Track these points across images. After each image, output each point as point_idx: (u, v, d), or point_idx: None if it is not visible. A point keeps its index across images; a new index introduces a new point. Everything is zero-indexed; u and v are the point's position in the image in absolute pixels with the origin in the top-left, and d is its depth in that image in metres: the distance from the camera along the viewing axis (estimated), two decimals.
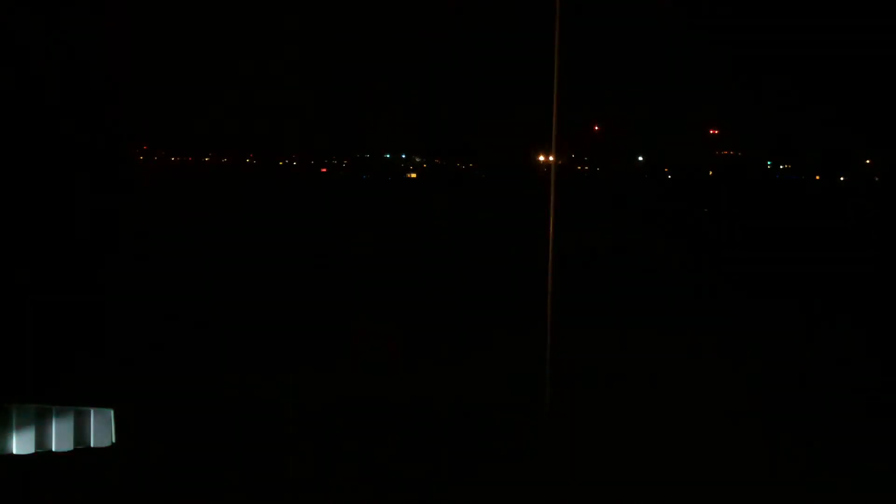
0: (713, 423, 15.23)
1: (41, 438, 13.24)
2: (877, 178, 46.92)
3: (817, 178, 47.97)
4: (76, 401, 13.73)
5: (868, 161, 47.85)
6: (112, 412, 13.76)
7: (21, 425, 13.05)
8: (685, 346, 19.47)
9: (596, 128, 45.87)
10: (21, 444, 13.08)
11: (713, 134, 48.16)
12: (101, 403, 13.83)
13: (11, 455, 12.95)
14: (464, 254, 30.00)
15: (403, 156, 51.02)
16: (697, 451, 14.11)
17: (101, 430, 13.65)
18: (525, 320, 18.30)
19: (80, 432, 13.54)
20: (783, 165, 49.64)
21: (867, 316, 22.35)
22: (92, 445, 13.55)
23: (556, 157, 15.81)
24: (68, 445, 13.40)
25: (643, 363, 18.27)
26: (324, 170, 52.50)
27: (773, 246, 32.75)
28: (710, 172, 48.32)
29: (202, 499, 12.53)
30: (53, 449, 13.29)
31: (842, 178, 47.43)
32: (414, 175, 50.74)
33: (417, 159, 51.26)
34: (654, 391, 16.87)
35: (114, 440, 13.71)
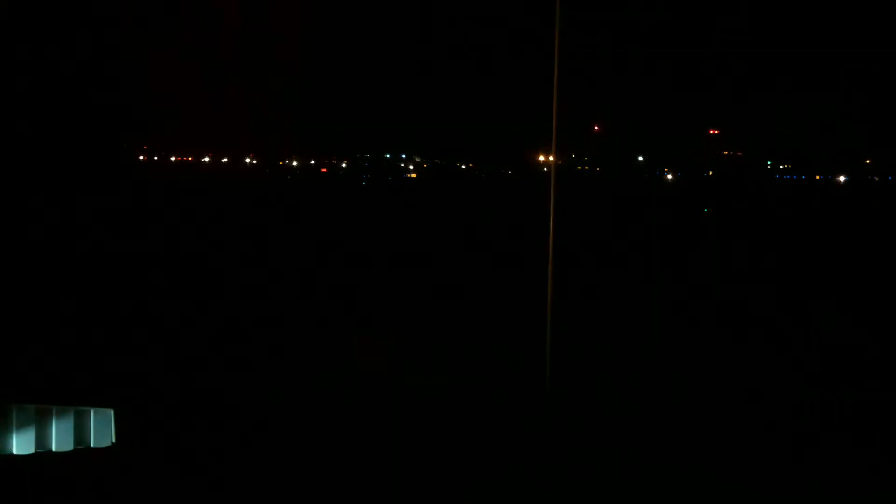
0: (714, 423, 15.23)
1: (41, 438, 13.25)
2: (876, 178, 46.95)
3: (817, 177, 48.02)
4: (76, 401, 13.74)
5: (868, 161, 47.84)
6: (112, 412, 13.77)
7: (21, 425, 13.05)
8: (687, 345, 19.47)
9: (596, 128, 45.85)
10: (21, 444, 13.09)
11: (713, 134, 48.13)
12: (101, 403, 13.84)
13: (11, 455, 12.96)
14: (464, 251, 30.00)
15: (403, 156, 50.98)
16: (698, 450, 14.12)
17: (101, 430, 13.66)
18: (525, 317, 18.30)
19: (80, 432, 13.55)
20: (783, 165, 49.62)
21: (868, 314, 22.34)
22: (92, 445, 13.56)
23: (556, 157, 15.82)
24: (68, 445, 13.40)
25: (644, 361, 18.28)
26: (324, 170, 52.49)
27: (774, 245, 32.75)
28: (710, 172, 48.35)
29: (202, 499, 12.54)
30: (53, 449, 13.30)
31: (842, 178, 47.45)
32: (414, 175, 50.73)
33: (417, 159, 51.22)
34: (656, 390, 16.87)
35: (114, 440, 13.71)
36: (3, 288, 19.73)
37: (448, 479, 13.20)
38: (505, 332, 19.78)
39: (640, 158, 48.21)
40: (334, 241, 31.25)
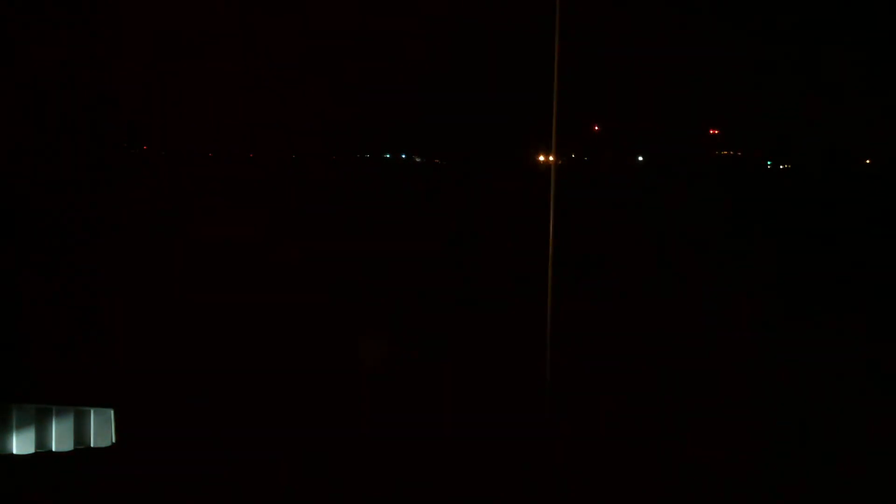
0: (715, 423, 15.23)
1: (41, 438, 13.23)
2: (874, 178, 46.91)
3: (816, 177, 47.97)
4: (76, 401, 13.72)
5: (868, 161, 47.83)
6: (112, 412, 13.75)
7: (21, 425, 13.04)
8: (687, 346, 19.47)
9: (595, 128, 45.83)
10: (21, 444, 13.07)
11: (713, 134, 48.10)
12: (101, 403, 13.82)
13: (11, 455, 12.94)
14: (463, 250, 29.97)
15: (403, 156, 50.96)
16: (700, 451, 14.11)
17: (101, 430, 13.64)
18: (525, 317, 18.30)
19: (80, 432, 13.53)
20: (783, 165, 49.60)
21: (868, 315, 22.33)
22: (92, 445, 13.54)
23: (556, 157, 15.83)
24: (68, 445, 13.38)
25: (644, 361, 18.28)
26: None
27: (774, 245, 32.72)
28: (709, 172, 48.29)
29: (202, 499, 12.53)
30: (53, 449, 13.28)
31: (841, 178, 47.41)
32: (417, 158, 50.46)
33: (417, 159, 51.19)
34: (657, 390, 16.87)
35: (114, 440, 13.70)
36: (3, 288, 19.73)
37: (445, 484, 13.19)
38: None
39: (640, 158, 48.19)
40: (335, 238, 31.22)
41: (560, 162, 15.86)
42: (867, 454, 13.97)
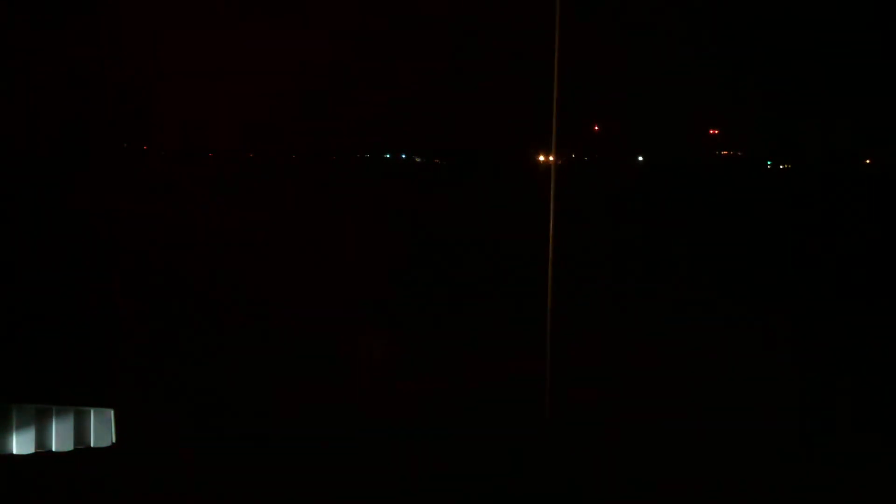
0: (715, 425, 15.23)
1: (41, 438, 13.24)
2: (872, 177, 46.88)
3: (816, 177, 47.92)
4: (76, 401, 13.74)
5: (868, 161, 47.82)
6: (112, 412, 13.77)
7: (21, 425, 13.05)
8: (687, 347, 19.47)
9: (595, 128, 45.82)
10: (21, 444, 13.08)
11: (713, 134, 48.09)
12: (101, 403, 13.84)
13: (11, 455, 12.95)
14: (462, 252, 29.96)
15: (403, 156, 50.96)
16: (700, 454, 14.12)
17: (101, 430, 13.66)
18: (525, 320, 18.29)
19: (80, 432, 13.55)
20: (783, 165, 49.58)
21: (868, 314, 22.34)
22: (92, 445, 13.56)
23: (556, 157, 15.82)
24: (68, 445, 13.40)
25: (644, 361, 18.30)
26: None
27: (773, 245, 32.72)
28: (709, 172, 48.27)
29: (202, 499, 12.53)
30: (53, 449, 13.29)
31: (841, 177, 47.39)
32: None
33: (417, 159, 51.18)
34: (657, 391, 16.88)
35: (114, 440, 13.72)
36: (4, 288, 19.74)
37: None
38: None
39: (640, 158, 48.19)
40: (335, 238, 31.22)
41: (560, 162, 15.83)
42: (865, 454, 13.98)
